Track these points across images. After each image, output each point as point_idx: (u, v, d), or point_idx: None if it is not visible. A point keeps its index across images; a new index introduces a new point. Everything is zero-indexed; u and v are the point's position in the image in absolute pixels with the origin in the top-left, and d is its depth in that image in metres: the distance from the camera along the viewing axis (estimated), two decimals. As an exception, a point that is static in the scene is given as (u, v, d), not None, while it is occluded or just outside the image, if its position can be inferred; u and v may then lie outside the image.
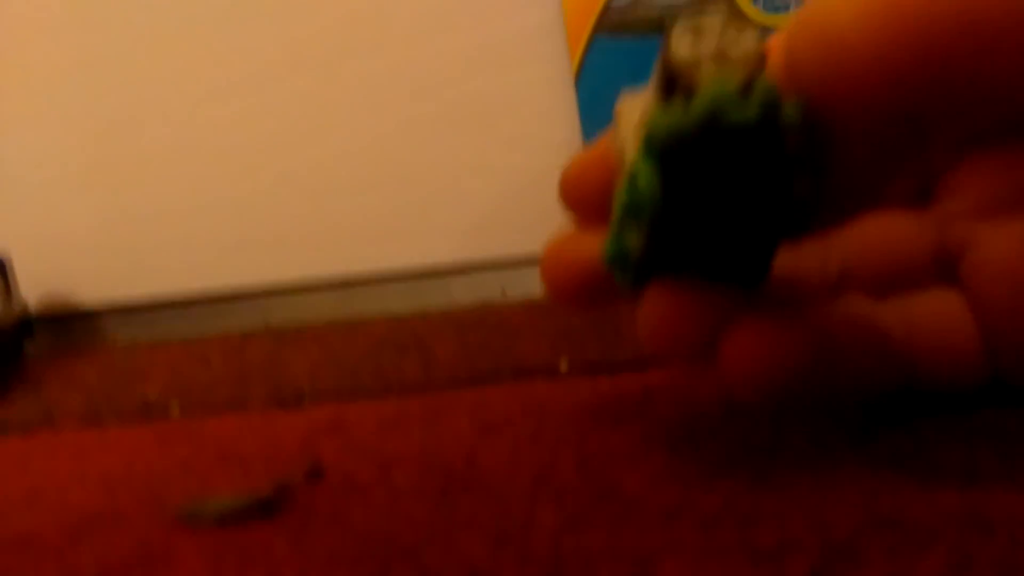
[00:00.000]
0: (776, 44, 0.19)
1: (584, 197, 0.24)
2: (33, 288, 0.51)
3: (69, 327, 0.53)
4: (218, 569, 0.20)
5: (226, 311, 0.52)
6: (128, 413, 0.35)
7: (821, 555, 0.17)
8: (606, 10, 0.46)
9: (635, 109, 0.21)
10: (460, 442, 0.27)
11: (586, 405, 0.29)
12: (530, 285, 0.51)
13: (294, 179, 0.51)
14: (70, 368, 0.45)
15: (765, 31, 0.22)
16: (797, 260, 0.23)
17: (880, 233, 0.24)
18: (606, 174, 0.22)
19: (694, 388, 0.29)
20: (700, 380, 0.29)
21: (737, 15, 0.18)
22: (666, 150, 0.17)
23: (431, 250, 0.52)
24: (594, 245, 0.23)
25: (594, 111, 0.48)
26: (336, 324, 0.49)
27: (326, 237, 0.52)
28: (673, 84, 0.18)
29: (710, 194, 0.18)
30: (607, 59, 0.47)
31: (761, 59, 0.18)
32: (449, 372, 0.36)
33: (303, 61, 0.50)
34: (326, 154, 0.51)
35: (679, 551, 0.18)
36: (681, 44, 0.18)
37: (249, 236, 0.52)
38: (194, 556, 0.21)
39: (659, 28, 0.45)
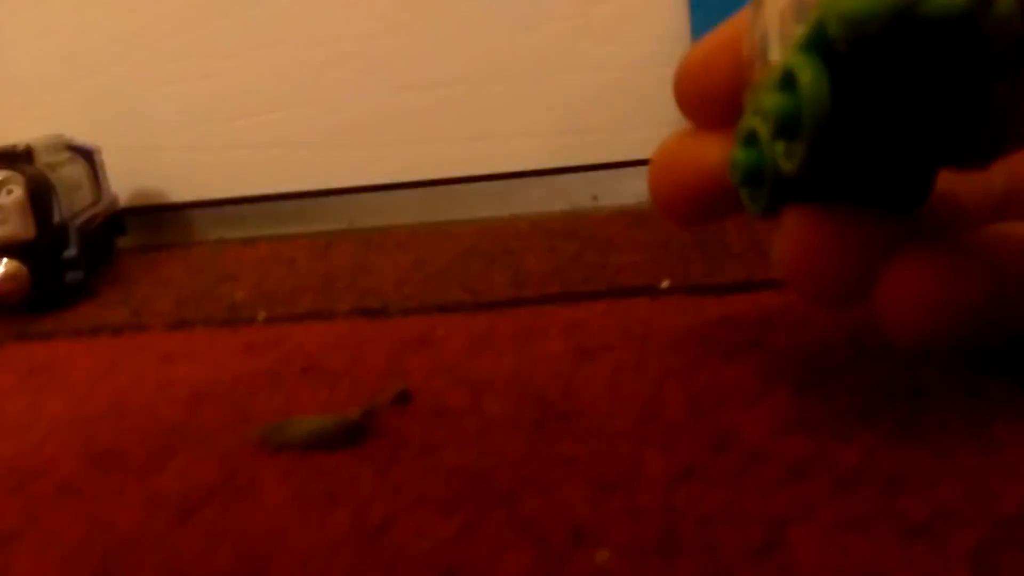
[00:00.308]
0: None
1: (706, 95, 0.21)
2: (123, 184, 0.50)
3: (159, 222, 0.53)
4: (301, 501, 0.19)
5: (312, 211, 0.51)
6: (215, 316, 0.35)
7: (988, 530, 0.15)
8: None
9: None
10: (556, 367, 0.25)
11: (692, 331, 0.26)
12: (624, 193, 0.48)
13: (381, 70, 0.49)
14: (159, 265, 0.45)
15: None
16: (955, 181, 0.20)
17: None
18: (735, 67, 0.19)
19: (814, 317, 0.26)
20: (821, 308, 0.26)
21: None
22: (843, 44, 0.14)
23: (519, 151, 0.49)
24: (714, 152, 0.20)
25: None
26: (422, 228, 0.47)
27: (412, 136, 0.49)
28: None
29: (890, 101, 0.15)
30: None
31: None
32: (540, 286, 0.34)
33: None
34: (413, 44, 0.48)
35: (811, 516, 0.16)
36: None
37: (335, 134, 0.50)
38: (277, 484, 0.20)
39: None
